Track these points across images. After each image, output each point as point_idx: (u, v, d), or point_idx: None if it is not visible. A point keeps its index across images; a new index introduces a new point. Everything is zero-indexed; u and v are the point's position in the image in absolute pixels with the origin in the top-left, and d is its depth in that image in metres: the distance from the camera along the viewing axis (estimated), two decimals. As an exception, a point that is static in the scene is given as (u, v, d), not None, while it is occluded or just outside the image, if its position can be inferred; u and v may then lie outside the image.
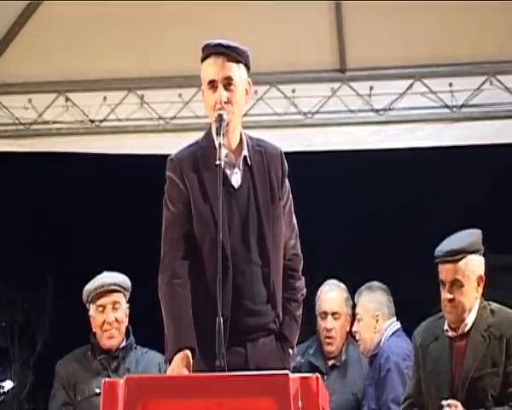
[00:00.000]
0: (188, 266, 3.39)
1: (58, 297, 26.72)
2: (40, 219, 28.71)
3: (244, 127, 6.41)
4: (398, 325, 4.95)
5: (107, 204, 28.97)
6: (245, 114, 6.23)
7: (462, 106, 6.12)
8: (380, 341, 4.85)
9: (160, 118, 6.34)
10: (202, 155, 3.46)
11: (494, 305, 3.84)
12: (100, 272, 4.55)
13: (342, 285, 5.12)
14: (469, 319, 3.77)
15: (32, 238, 27.99)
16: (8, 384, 27.73)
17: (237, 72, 3.47)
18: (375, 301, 4.91)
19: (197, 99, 6.23)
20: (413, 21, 5.91)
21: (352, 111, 6.26)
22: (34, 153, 6.65)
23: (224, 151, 3.37)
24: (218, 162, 3.30)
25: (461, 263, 3.73)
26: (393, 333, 4.88)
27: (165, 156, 6.40)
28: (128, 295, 4.51)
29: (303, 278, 3.56)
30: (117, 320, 4.40)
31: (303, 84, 6.26)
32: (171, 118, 6.33)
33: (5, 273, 24.11)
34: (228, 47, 3.53)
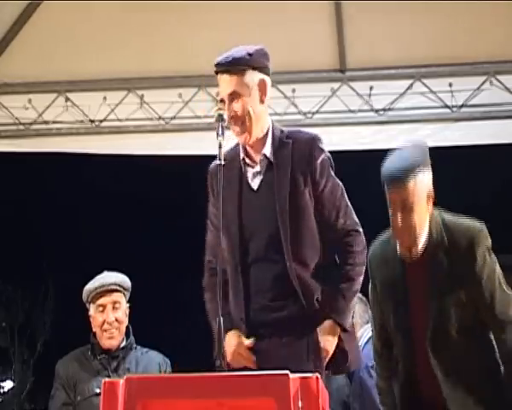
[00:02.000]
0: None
1: (58, 297, 26.73)
2: (40, 218, 28.72)
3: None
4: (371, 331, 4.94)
5: (107, 204, 28.98)
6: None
7: (462, 106, 6.12)
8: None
9: (160, 118, 6.34)
10: (227, 159, 3.46)
11: (445, 216, 3.64)
12: (100, 272, 4.55)
13: None
14: (423, 239, 3.56)
15: (33, 238, 27.99)
16: (8, 384, 27.73)
17: (241, 82, 3.53)
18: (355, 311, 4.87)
19: (197, 99, 6.24)
20: (413, 21, 5.91)
21: (352, 111, 6.26)
22: (34, 153, 6.65)
23: (241, 152, 3.51)
24: (218, 162, 3.32)
25: (410, 185, 3.51)
26: (368, 340, 4.84)
27: (165, 156, 6.39)
28: (128, 294, 4.51)
29: (364, 253, 3.51)
30: (117, 320, 4.41)
31: (303, 84, 6.26)
32: (171, 118, 6.34)
33: (5, 273, 24.12)
34: (227, 62, 3.59)
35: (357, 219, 3.53)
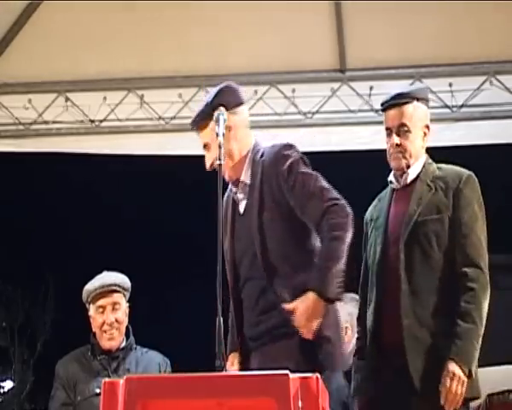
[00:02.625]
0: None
1: (58, 297, 26.73)
2: (40, 218, 28.71)
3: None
4: None
5: (107, 204, 28.97)
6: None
7: (462, 106, 6.12)
8: (352, 353, 4.83)
9: (160, 118, 6.34)
10: (227, 196, 3.74)
11: (443, 164, 3.75)
12: (100, 272, 4.55)
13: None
14: (414, 169, 3.65)
15: (33, 238, 27.99)
16: (8, 384, 27.73)
17: (211, 129, 3.54)
18: (345, 313, 4.87)
19: (197, 99, 6.24)
20: (413, 21, 5.91)
21: (351, 111, 6.26)
22: (34, 153, 6.65)
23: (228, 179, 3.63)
24: (218, 162, 3.32)
25: (408, 107, 3.64)
26: None
27: (165, 156, 6.40)
28: (128, 294, 4.51)
29: (348, 221, 3.40)
30: (117, 321, 4.40)
31: (303, 84, 6.26)
32: (171, 118, 6.34)
33: (5, 273, 24.11)
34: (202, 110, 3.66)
35: (337, 195, 3.47)
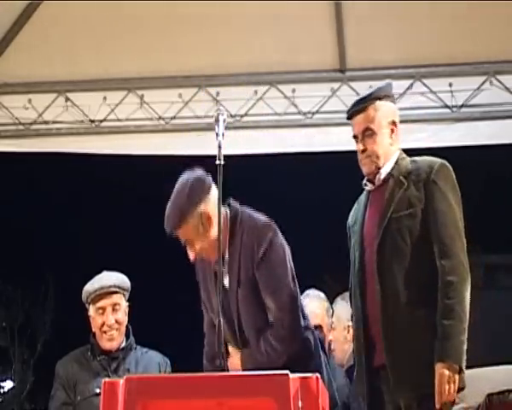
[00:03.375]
0: None
1: (58, 297, 26.75)
2: (40, 218, 28.72)
3: (244, 127, 6.44)
4: None
5: (107, 204, 28.98)
6: (245, 114, 6.30)
7: (462, 106, 6.12)
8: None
9: (160, 118, 6.34)
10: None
11: (417, 157, 3.69)
12: (100, 272, 4.55)
13: (322, 295, 5.08)
14: (385, 168, 3.62)
15: (33, 238, 28.00)
16: (8, 384, 27.76)
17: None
18: (348, 312, 4.87)
19: (197, 99, 6.24)
20: (413, 21, 5.91)
21: (352, 111, 6.25)
22: (34, 153, 6.64)
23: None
24: (217, 162, 3.33)
25: (370, 110, 3.62)
26: None
27: (165, 156, 6.40)
28: (127, 294, 4.51)
29: (277, 344, 3.62)
30: (117, 321, 4.40)
31: (303, 84, 6.26)
32: (171, 118, 6.33)
33: (5, 273, 24.13)
34: None
35: (290, 313, 3.68)
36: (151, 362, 4.48)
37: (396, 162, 3.64)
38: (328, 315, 5.02)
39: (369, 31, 5.95)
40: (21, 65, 6.21)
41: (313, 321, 4.81)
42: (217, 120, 3.45)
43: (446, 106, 6.13)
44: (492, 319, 30.36)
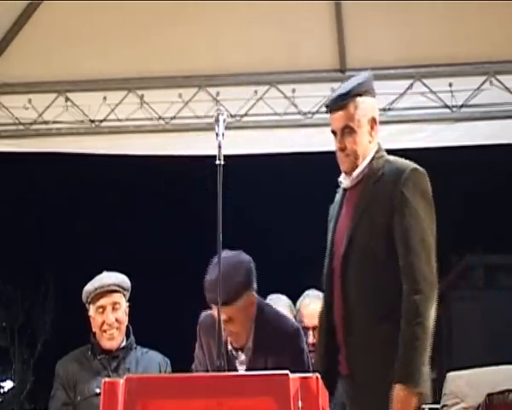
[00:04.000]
0: None
1: (58, 297, 26.76)
2: (40, 218, 28.72)
3: (244, 127, 6.44)
4: None
5: (107, 204, 28.97)
6: (245, 114, 6.30)
7: (462, 106, 6.12)
8: None
9: (160, 118, 6.34)
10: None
11: (392, 157, 3.60)
12: (100, 272, 4.55)
13: (322, 295, 5.06)
14: (359, 169, 3.54)
15: (33, 238, 28.00)
16: (8, 384, 27.76)
17: None
18: None
19: (197, 99, 6.24)
20: (413, 21, 5.91)
21: (352, 111, 6.25)
22: (34, 153, 6.65)
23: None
24: (217, 162, 3.32)
25: (350, 108, 3.54)
26: None
27: (165, 156, 6.39)
28: (128, 294, 4.51)
29: None
30: (117, 320, 4.40)
31: (303, 84, 6.26)
32: (171, 118, 6.33)
33: (5, 273, 24.13)
34: None
35: None
36: (151, 362, 4.48)
37: (371, 161, 3.55)
38: None
39: (369, 31, 5.95)
40: (21, 65, 6.21)
41: (313, 321, 4.81)
42: (217, 120, 3.45)
43: (446, 106, 6.13)
44: (492, 319, 30.37)
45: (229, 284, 3.50)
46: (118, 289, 4.43)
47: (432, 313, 3.34)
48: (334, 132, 3.65)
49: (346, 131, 3.57)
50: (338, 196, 3.72)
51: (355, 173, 3.56)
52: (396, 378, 3.25)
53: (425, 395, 3.31)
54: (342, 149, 3.57)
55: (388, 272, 3.37)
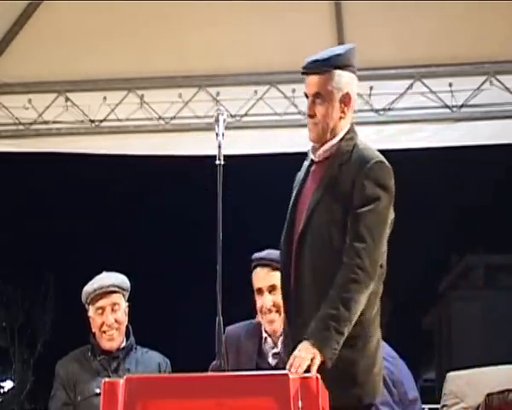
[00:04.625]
0: None
1: (58, 297, 26.75)
2: (40, 218, 28.72)
3: (244, 127, 6.44)
4: None
5: (107, 204, 28.98)
6: (245, 114, 6.29)
7: (462, 106, 6.12)
8: None
9: (160, 118, 6.34)
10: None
11: (362, 142, 3.51)
12: (100, 272, 4.55)
13: None
14: (327, 146, 3.46)
15: (33, 238, 28.00)
16: (8, 384, 27.75)
17: None
18: None
19: (197, 99, 6.24)
20: (413, 21, 5.91)
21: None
22: (34, 153, 6.65)
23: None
24: (217, 162, 3.32)
25: (325, 76, 3.46)
26: None
27: (165, 156, 6.39)
28: (127, 294, 4.50)
29: None
30: (116, 321, 4.40)
31: (303, 85, 6.24)
32: (171, 118, 6.33)
33: (5, 273, 24.12)
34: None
35: None
36: (151, 362, 4.48)
37: (339, 142, 3.49)
38: None
39: (370, 31, 5.94)
40: (21, 65, 6.21)
41: None
42: (217, 120, 3.45)
43: (446, 106, 6.13)
44: (492, 320, 30.37)
45: None
46: (117, 289, 4.43)
47: (361, 299, 3.25)
48: (306, 95, 3.58)
49: (317, 98, 3.51)
50: (306, 164, 3.63)
51: (323, 149, 3.49)
52: (306, 335, 3.18)
53: (327, 363, 3.17)
54: (311, 116, 3.50)
55: (340, 256, 3.32)
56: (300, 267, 3.39)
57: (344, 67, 3.55)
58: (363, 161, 3.40)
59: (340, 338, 3.18)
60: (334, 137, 3.49)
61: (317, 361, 3.11)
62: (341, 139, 3.50)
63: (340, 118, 3.53)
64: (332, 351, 3.15)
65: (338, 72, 3.52)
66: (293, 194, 3.57)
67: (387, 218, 3.39)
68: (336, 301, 3.21)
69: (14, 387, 27.48)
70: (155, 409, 2.83)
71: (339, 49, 3.64)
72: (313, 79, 3.54)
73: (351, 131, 3.55)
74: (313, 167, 3.55)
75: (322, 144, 3.50)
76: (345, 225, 3.35)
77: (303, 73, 3.62)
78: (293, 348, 3.19)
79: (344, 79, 3.54)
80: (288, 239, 3.50)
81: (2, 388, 27.77)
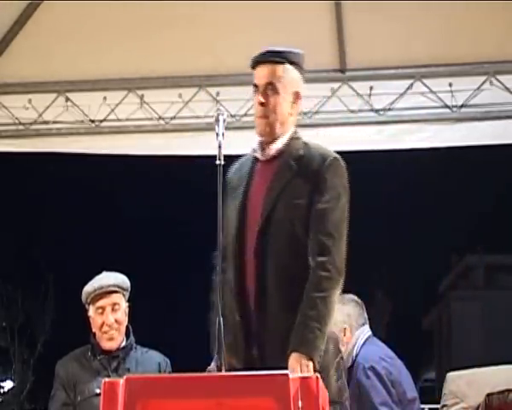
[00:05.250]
0: None
1: (58, 297, 26.76)
2: (40, 218, 28.72)
3: (244, 127, 6.44)
4: (368, 332, 4.90)
5: (107, 204, 28.98)
6: (245, 114, 6.30)
7: (462, 106, 6.12)
8: (351, 353, 4.83)
9: (160, 118, 6.34)
10: None
11: (310, 141, 3.52)
12: (100, 272, 4.55)
13: None
14: (277, 145, 3.44)
15: (33, 238, 27.99)
16: (8, 384, 27.75)
17: None
18: (343, 314, 4.87)
19: (197, 99, 6.25)
20: (413, 21, 5.91)
21: (352, 111, 6.26)
22: (34, 153, 6.65)
23: None
24: (218, 162, 3.32)
25: (279, 68, 3.46)
26: (364, 342, 4.85)
27: (165, 156, 6.39)
28: (127, 294, 4.51)
29: None
30: (116, 321, 4.40)
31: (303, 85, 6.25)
32: (171, 118, 6.34)
33: (5, 273, 24.13)
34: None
35: None
36: (151, 362, 4.48)
37: (289, 140, 3.49)
38: None
39: (370, 31, 5.95)
40: (21, 65, 6.21)
41: None
42: (217, 120, 3.44)
43: (446, 106, 6.13)
44: (492, 319, 30.37)
45: None
46: (117, 289, 4.43)
47: (336, 295, 3.27)
48: (255, 86, 3.52)
49: (270, 88, 3.47)
50: (246, 164, 3.57)
51: (274, 147, 3.47)
52: (292, 346, 3.18)
53: (317, 366, 3.19)
54: (263, 104, 3.45)
55: (301, 255, 3.31)
56: (262, 263, 3.34)
57: (296, 65, 3.57)
58: (321, 158, 3.42)
59: (324, 337, 3.21)
60: (283, 134, 3.49)
61: (311, 368, 3.13)
62: (291, 138, 3.50)
63: (290, 115, 3.52)
64: (320, 353, 3.19)
65: (291, 67, 3.54)
66: (238, 194, 3.51)
67: (346, 214, 3.40)
68: (314, 301, 3.21)
69: (14, 387, 27.48)
70: (155, 409, 2.83)
71: (290, 48, 3.67)
72: (265, 70, 3.52)
73: (297, 131, 3.55)
74: (259, 166, 3.51)
75: (272, 142, 3.48)
76: (307, 220, 3.33)
77: (255, 64, 3.57)
78: (259, 346, 3.22)
79: (296, 76, 3.55)
80: (240, 240, 3.43)
81: (2, 388, 27.78)
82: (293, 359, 3.17)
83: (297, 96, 3.53)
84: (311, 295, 3.22)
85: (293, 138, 3.51)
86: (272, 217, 3.37)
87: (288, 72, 3.51)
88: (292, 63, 3.54)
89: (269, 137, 3.48)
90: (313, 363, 3.16)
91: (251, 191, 3.49)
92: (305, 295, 3.23)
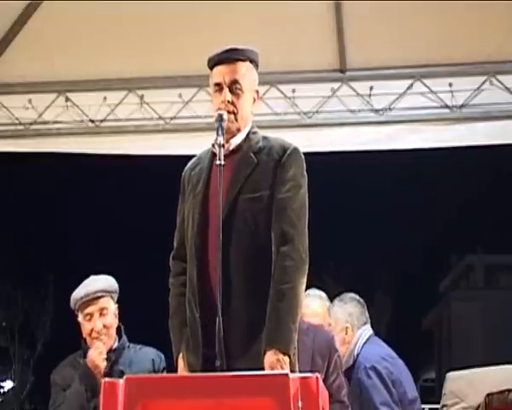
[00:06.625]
0: None
1: (58, 297, 26.76)
2: (40, 218, 28.73)
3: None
4: (370, 331, 4.91)
5: (106, 204, 28.98)
6: (245, 114, 6.27)
7: (462, 106, 6.12)
8: (353, 352, 4.83)
9: (160, 118, 6.34)
10: None
11: (267, 134, 3.56)
12: (100, 272, 4.54)
13: (323, 295, 5.07)
14: (236, 139, 3.46)
15: (33, 238, 28.00)
16: (8, 384, 27.77)
17: None
18: (345, 313, 4.88)
19: (197, 99, 6.25)
20: (413, 21, 5.91)
21: (351, 111, 6.26)
22: (34, 153, 6.65)
23: None
24: (218, 162, 3.32)
25: (242, 66, 3.48)
26: (366, 341, 4.86)
27: (165, 156, 6.40)
28: (116, 296, 4.47)
29: None
30: (105, 326, 4.39)
31: (303, 84, 6.26)
32: (171, 118, 6.34)
33: (5, 273, 24.14)
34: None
35: None
36: (145, 359, 4.46)
37: (247, 135, 3.51)
38: (330, 315, 5.03)
39: (369, 31, 5.95)
40: (21, 65, 6.21)
41: (314, 320, 4.82)
42: (217, 120, 3.45)
43: (446, 106, 6.13)
44: (492, 320, 30.37)
45: None
46: (104, 294, 4.41)
47: (303, 284, 3.28)
48: (218, 85, 3.52)
49: (235, 87, 3.48)
50: (204, 160, 3.59)
51: (233, 142, 3.48)
52: (267, 342, 3.18)
53: (292, 360, 3.21)
54: (229, 103, 3.46)
55: (265, 246, 3.32)
56: (226, 255, 3.29)
57: (254, 62, 3.59)
58: (281, 149, 3.46)
59: (296, 329, 3.23)
60: (244, 127, 3.52)
61: (287, 362, 3.15)
62: (248, 134, 3.53)
63: (250, 112, 3.57)
64: (294, 345, 3.22)
65: (252, 65, 3.57)
66: (198, 191, 3.50)
67: (307, 202, 3.42)
68: (282, 293, 3.22)
69: (14, 387, 27.49)
70: (155, 409, 2.83)
71: (248, 46, 3.66)
72: (228, 68, 3.53)
73: (254, 126, 3.59)
74: (215, 161, 3.46)
75: (231, 137, 3.49)
76: (269, 211, 3.35)
77: (216, 63, 3.60)
78: (224, 337, 3.14)
79: (255, 75, 3.58)
80: (202, 233, 3.40)
81: (2, 388, 27.80)
82: (271, 355, 3.16)
83: (257, 93, 3.59)
84: (278, 287, 3.23)
85: (252, 133, 3.54)
86: (234, 210, 3.36)
87: (250, 70, 3.55)
88: (251, 61, 3.57)
89: (235, 133, 3.50)
90: (289, 358, 3.17)
91: (211, 186, 3.47)
92: (272, 287, 3.24)
